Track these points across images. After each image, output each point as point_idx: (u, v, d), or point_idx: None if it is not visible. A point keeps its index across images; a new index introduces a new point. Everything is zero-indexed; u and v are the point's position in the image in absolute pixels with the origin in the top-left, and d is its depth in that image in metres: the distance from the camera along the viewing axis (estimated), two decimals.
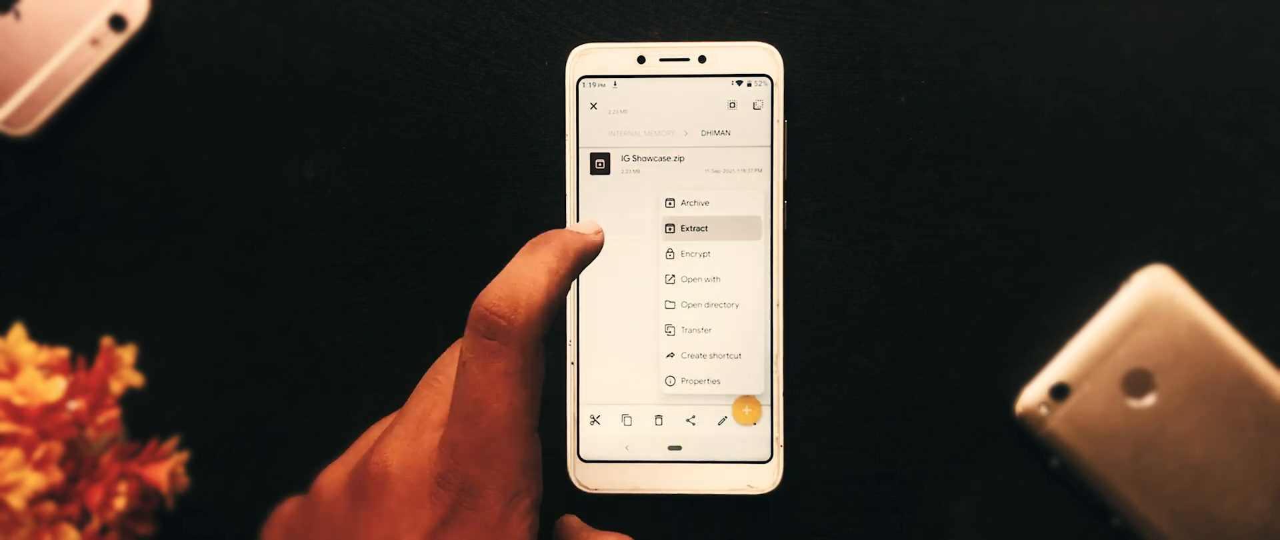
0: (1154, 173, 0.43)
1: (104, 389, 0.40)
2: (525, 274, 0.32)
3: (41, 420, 0.38)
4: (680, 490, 0.42)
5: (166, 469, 0.40)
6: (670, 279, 0.42)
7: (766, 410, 0.42)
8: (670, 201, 0.42)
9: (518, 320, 0.31)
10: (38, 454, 0.37)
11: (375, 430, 0.36)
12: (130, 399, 0.42)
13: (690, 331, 0.42)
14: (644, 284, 0.42)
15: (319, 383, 0.44)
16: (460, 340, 0.33)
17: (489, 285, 0.32)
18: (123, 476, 0.40)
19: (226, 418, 0.44)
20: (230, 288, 0.44)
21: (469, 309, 0.32)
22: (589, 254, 0.35)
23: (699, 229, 0.42)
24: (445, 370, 0.34)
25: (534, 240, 0.34)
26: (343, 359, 0.44)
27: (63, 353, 0.40)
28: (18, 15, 0.43)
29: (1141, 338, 0.42)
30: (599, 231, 0.36)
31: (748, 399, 0.42)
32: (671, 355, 0.42)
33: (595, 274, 0.42)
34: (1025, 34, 0.43)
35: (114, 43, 0.43)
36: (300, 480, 0.44)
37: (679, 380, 0.42)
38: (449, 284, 0.44)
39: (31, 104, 0.43)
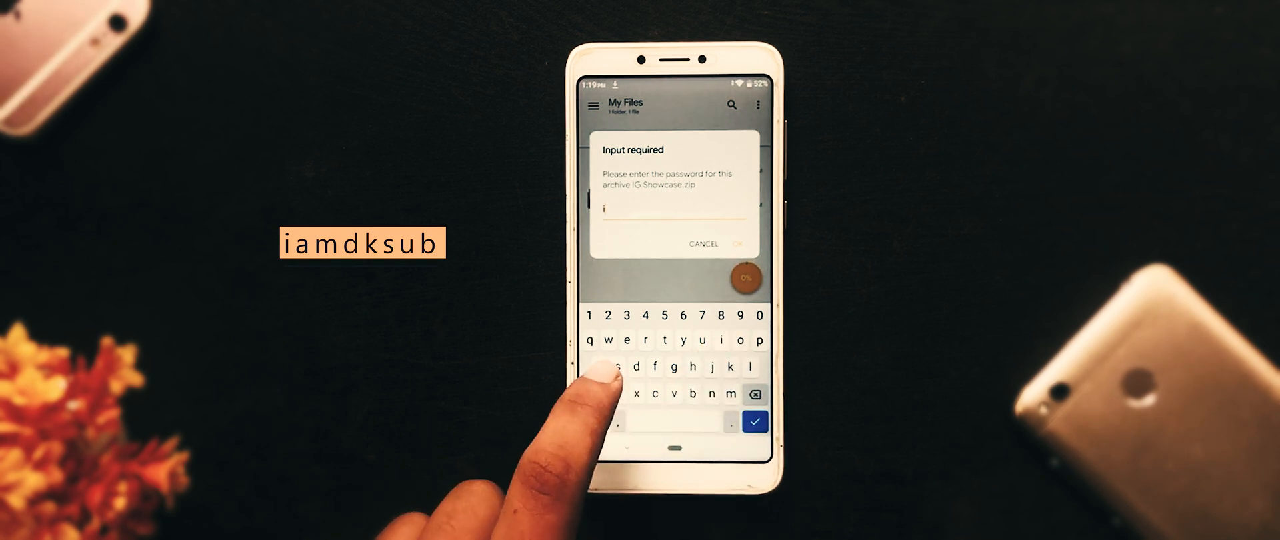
0: (1154, 173, 0.43)
1: (104, 389, 0.40)
2: (572, 433, 0.35)
3: (41, 420, 0.38)
4: (680, 490, 0.42)
5: (166, 469, 0.40)
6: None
7: (767, 411, 0.42)
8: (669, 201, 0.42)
9: (572, 479, 0.34)
10: (38, 454, 0.37)
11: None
12: (130, 399, 0.42)
13: (689, 331, 0.42)
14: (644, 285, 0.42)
15: (319, 383, 0.44)
16: (461, 487, 0.36)
17: (538, 440, 0.35)
18: (123, 476, 0.40)
19: (226, 418, 0.44)
20: (230, 288, 0.44)
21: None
22: (615, 405, 0.37)
23: (698, 229, 0.42)
24: (457, 517, 0.35)
25: (571, 398, 0.36)
26: (343, 359, 0.44)
27: (63, 353, 0.40)
28: (18, 15, 0.43)
29: (1141, 338, 0.42)
30: (618, 376, 0.38)
31: (754, 401, 0.42)
32: (671, 355, 0.42)
33: (594, 274, 0.42)
34: (1025, 34, 0.43)
35: (114, 43, 0.43)
36: (300, 480, 0.44)
37: (679, 380, 0.42)
38: (449, 284, 0.44)
39: (31, 104, 0.43)
